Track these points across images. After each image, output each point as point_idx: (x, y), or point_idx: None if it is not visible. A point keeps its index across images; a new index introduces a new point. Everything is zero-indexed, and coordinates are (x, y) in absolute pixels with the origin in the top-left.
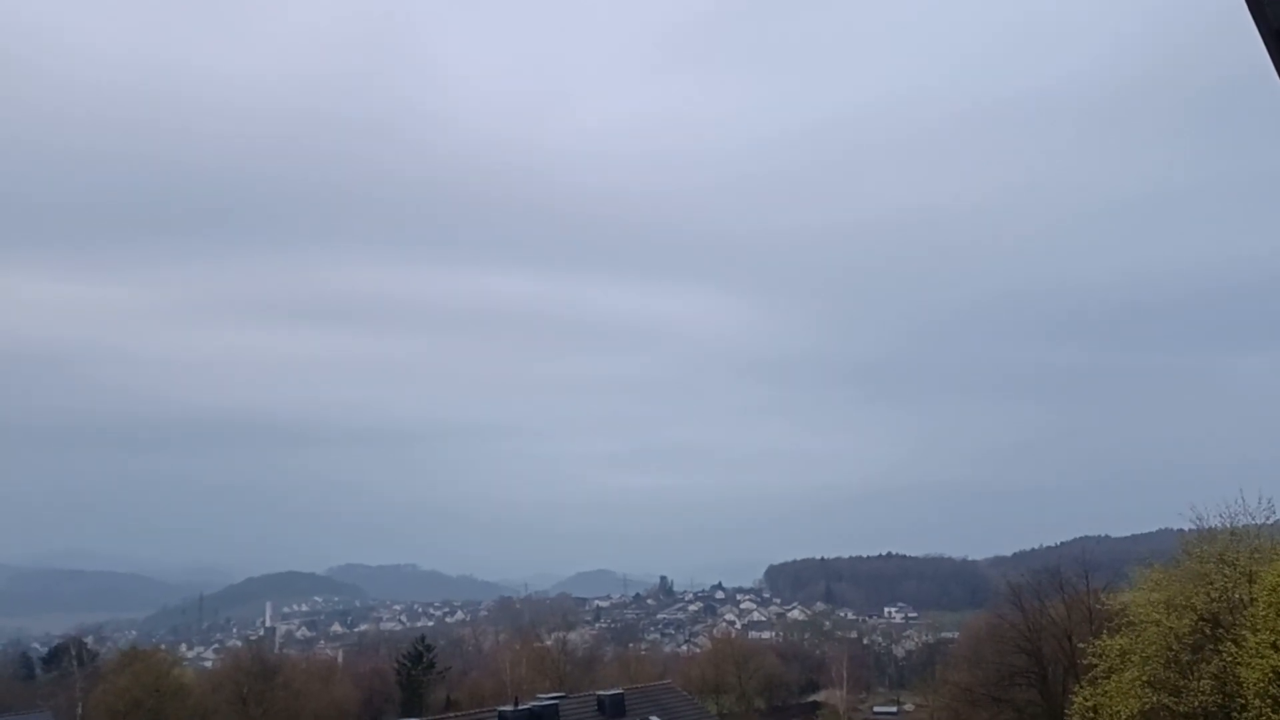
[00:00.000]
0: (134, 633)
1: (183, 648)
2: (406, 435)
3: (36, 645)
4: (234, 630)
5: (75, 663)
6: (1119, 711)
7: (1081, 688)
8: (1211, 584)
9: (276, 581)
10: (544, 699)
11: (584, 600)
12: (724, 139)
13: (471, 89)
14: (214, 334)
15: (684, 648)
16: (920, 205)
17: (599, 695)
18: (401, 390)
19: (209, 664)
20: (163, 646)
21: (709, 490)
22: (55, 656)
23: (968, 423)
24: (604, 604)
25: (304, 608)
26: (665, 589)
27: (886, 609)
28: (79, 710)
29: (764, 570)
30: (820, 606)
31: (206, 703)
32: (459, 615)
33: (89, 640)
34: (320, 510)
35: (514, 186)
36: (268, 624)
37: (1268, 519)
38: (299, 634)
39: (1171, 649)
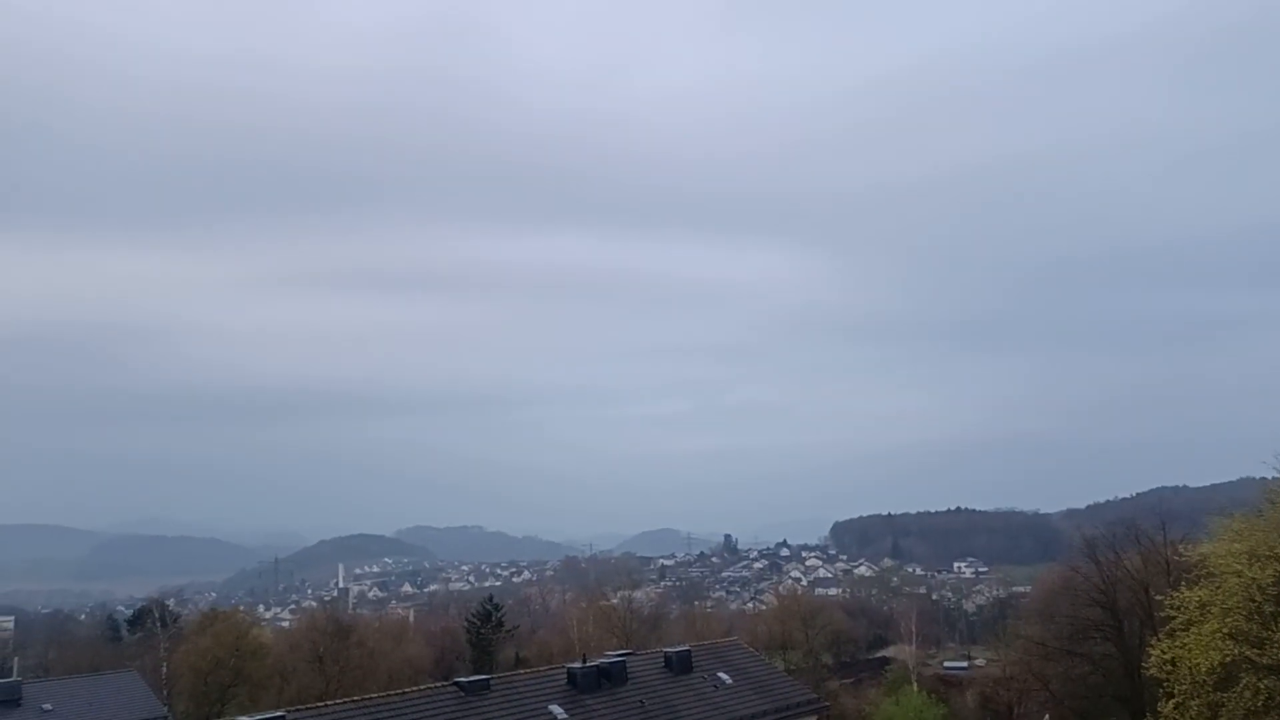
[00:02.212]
0: (213, 595)
1: (260, 609)
2: (474, 399)
3: (121, 608)
4: (308, 591)
5: (159, 624)
6: (1198, 664)
7: (1159, 640)
8: None
9: (348, 544)
10: (612, 656)
11: (649, 559)
12: (790, 98)
13: (540, 61)
14: (291, 306)
15: (749, 605)
16: (1004, 156)
17: (666, 652)
18: (470, 355)
19: (285, 624)
20: (241, 608)
21: (775, 449)
22: (139, 619)
23: (1045, 378)
24: (669, 563)
25: (374, 569)
26: (730, 547)
27: (956, 564)
28: (164, 669)
29: (829, 528)
30: (887, 563)
31: (285, 661)
32: (525, 575)
33: (171, 603)
34: (389, 474)
35: (587, 154)
36: (340, 585)
37: None
38: (370, 594)
39: (1254, 600)
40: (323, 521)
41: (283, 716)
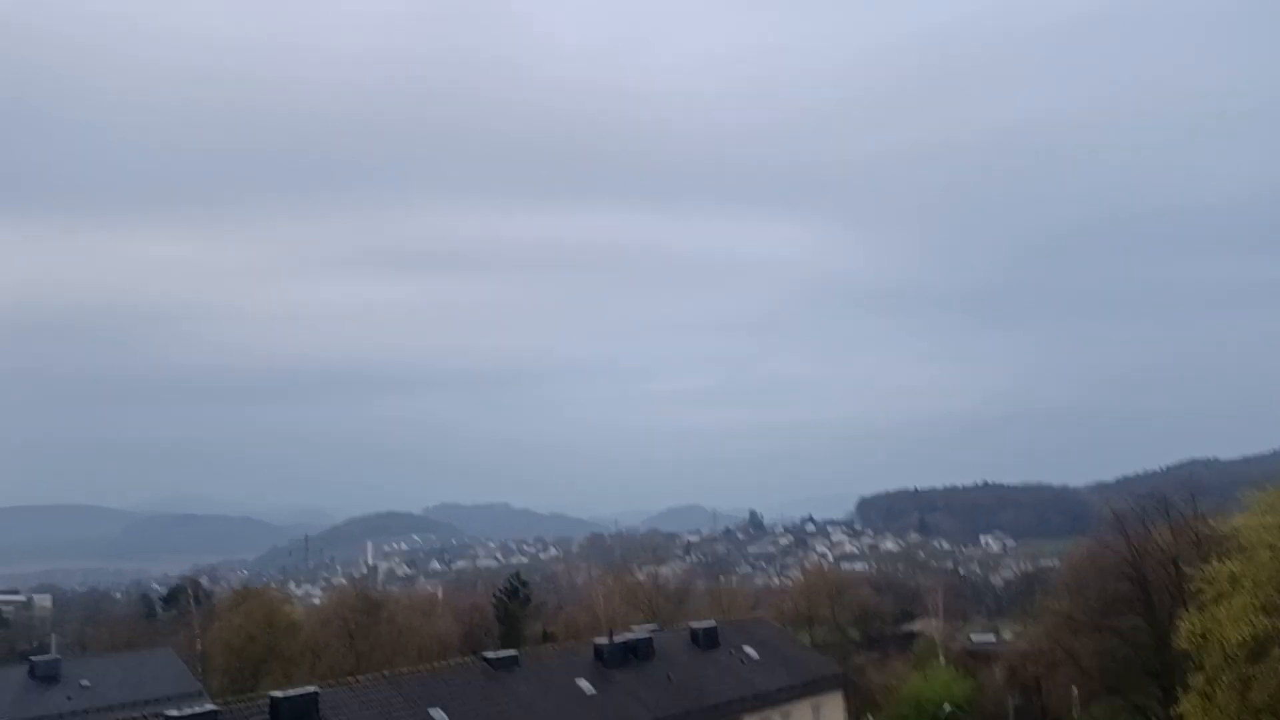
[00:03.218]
0: (245, 573)
1: (291, 586)
2: (499, 377)
3: (156, 586)
4: (338, 569)
5: (193, 602)
6: (1229, 637)
7: (1189, 614)
8: None
9: (376, 522)
10: (639, 631)
11: (674, 535)
12: (806, 65)
13: (560, 37)
14: (315, 288)
15: (775, 581)
16: (1019, 121)
17: (692, 627)
18: (495, 333)
19: (316, 601)
20: (273, 585)
21: (800, 424)
22: (173, 596)
23: (1069, 348)
24: (694, 539)
25: (403, 546)
26: (755, 523)
27: (983, 538)
28: (198, 646)
29: (855, 503)
30: (914, 538)
31: (316, 637)
32: (552, 551)
33: (204, 580)
34: (416, 453)
35: (608, 130)
36: (370, 562)
37: None
38: (399, 571)
39: None
40: (352, 500)
41: (315, 691)
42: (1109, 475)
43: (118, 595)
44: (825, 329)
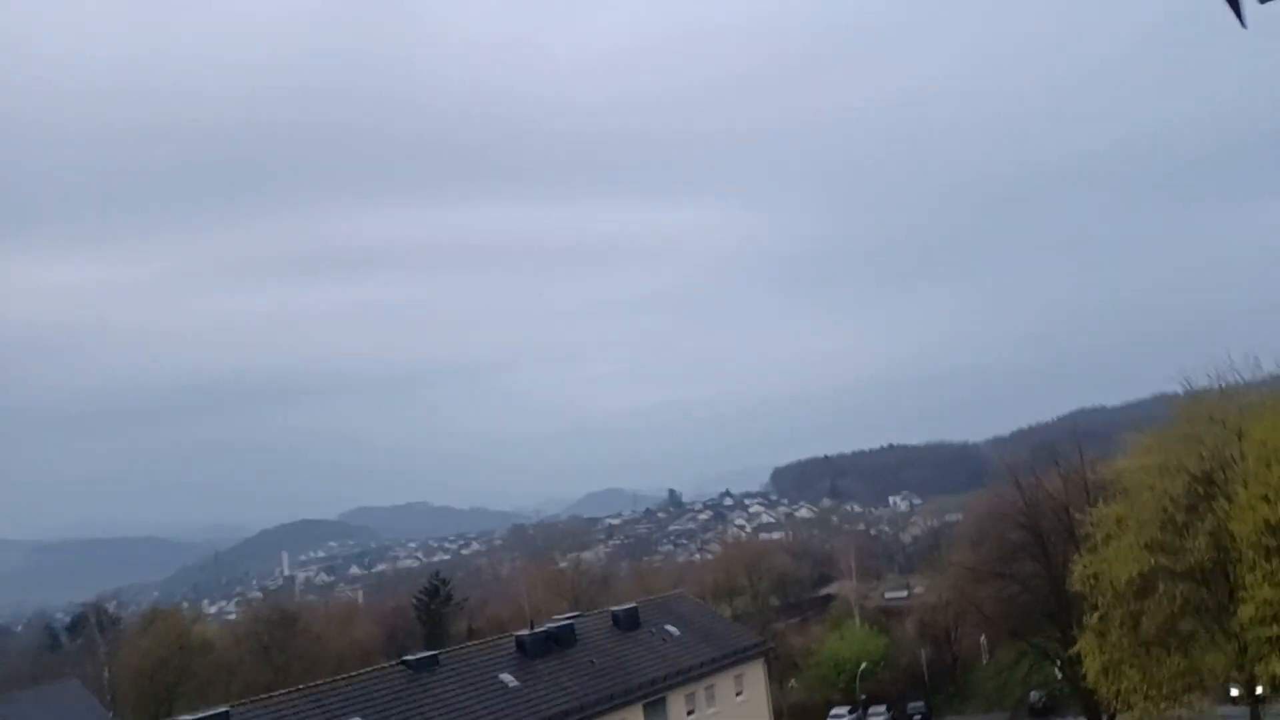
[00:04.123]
0: (156, 594)
1: (205, 604)
2: (409, 378)
3: (61, 615)
4: (254, 583)
5: (97, 629)
6: (1119, 576)
7: (1081, 557)
8: (1202, 444)
9: (291, 531)
10: (560, 620)
11: (596, 520)
12: (701, 49)
13: (454, 34)
14: (219, 299)
15: (696, 557)
16: (910, 87)
17: (613, 611)
18: (403, 334)
19: (232, 617)
20: (185, 605)
21: (715, 400)
22: (77, 625)
23: (966, 309)
24: (616, 522)
25: (320, 554)
26: (674, 501)
27: (891, 498)
28: (105, 674)
29: (770, 473)
30: (827, 503)
31: (230, 656)
32: (474, 547)
33: (112, 605)
34: (329, 459)
35: (506, 123)
36: (286, 573)
37: (1254, 375)
38: (318, 580)
39: (1166, 511)
40: (265, 511)
41: (226, 712)
42: (1005, 429)
43: (19, 629)
44: (736, 305)
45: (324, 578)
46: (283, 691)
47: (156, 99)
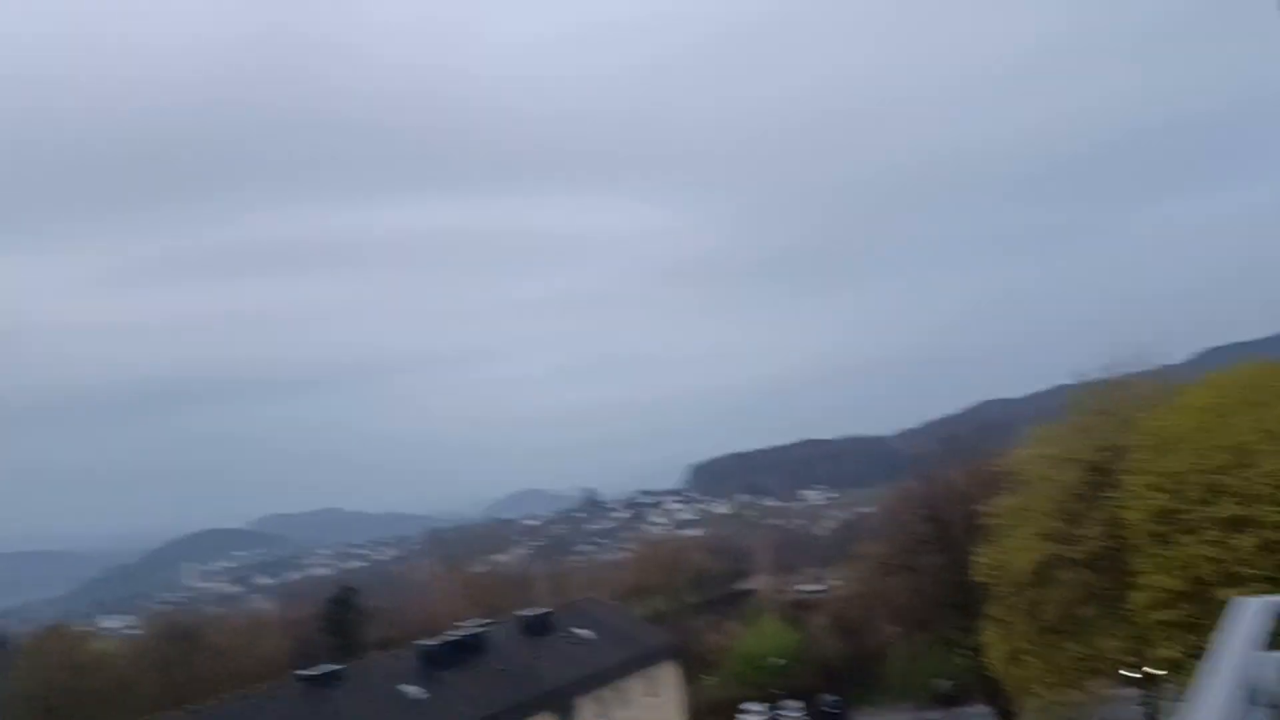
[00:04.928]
0: (54, 611)
1: (107, 620)
2: (318, 380)
3: None
4: (160, 596)
5: None
6: (1018, 566)
7: (983, 547)
8: (1095, 434)
9: (197, 541)
10: (468, 628)
11: (513, 522)
12: (639, 47)
13: (384, 20)
14: (113, 299)
15: (615, 556)
16: (819, 82)
17: (524, 617)
18: (310, 334)
19: (136, 633)
20: (87, 621)
21: (630, 401)
22: None
23: (879, 304)
24: (534, 523)
25: (229, 563)
26: (592, 501)
27: (806, 493)
28: None
29: (688, 471)
30: (743, 498)
31: (127, 674)
32: (389, 552)
33: (13, 623)
34: (235, 464)
35: (429, 114)
36: (193, 585)
37: (1144, 367)
38: (226, 591)
39: (1062, 501)
40: (170, 520)
41: None
42: (915, 421)
43: None
44: (650, 306)
45: (232, 588)
46: (168, 714)
47: (75, 85)
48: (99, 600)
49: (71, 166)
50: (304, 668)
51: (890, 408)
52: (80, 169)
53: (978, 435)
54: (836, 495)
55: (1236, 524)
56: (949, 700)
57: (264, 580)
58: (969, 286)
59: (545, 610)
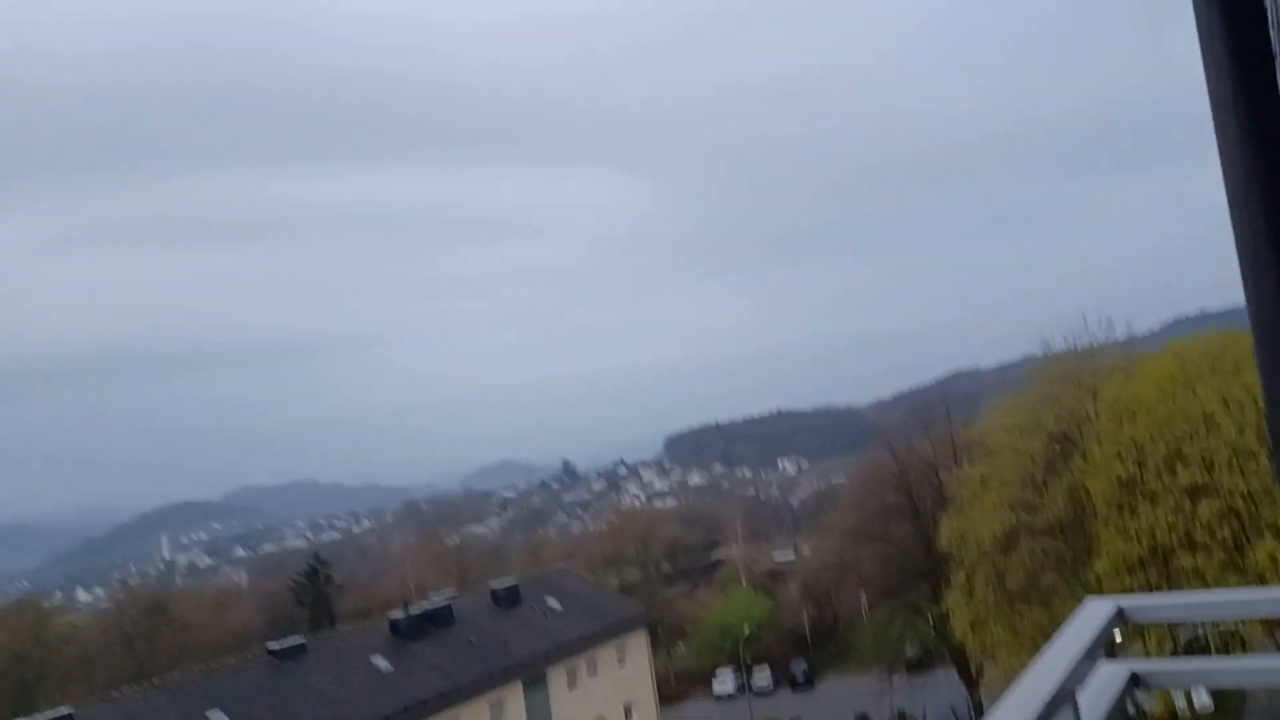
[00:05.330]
0: (25, 584)
1: (79, 593)
2: (291, 350)
3: None
4: (132, 569)
5: None
6: (983, 534)
7: (949, 516)
8: (1060, 404)
9: (170, 513)
10: (437, 600)
11: (489, 493)
12: (594, 17)
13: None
14: (76, 264)
15: (591, 527)
16: (803, 64)
17: (493, 588)
18: (284, 304)
19: (107, 605)
20: (58, 595)
21: (606, 372)
22: None
23: (850, 280)
24: (509, 494)
25: (203, 536)
26: (568, 471)
27: (780, 462)
28: None
29: (663, 442)
30: (718, 469)
31: (95, 648)
32: (365, 524)
33: None
34: (208, 436)
35: (399, 88)
36: (166, 557)
37: (1108, 337)
38: (200, 563)
39: (1027, 470)
40: (142, 493)
41: (70, 714)
42: (887, 392)
43: None
44: (627, 279)
45: (206, 560)
46: (135, 687)
47: (29, 57)
48: (70, 572)
49: (18, 130)
50: (276, 640)
51: (864, 380)
52: (29, 133)
53: (947, 406)
54: (810, 466)
55: (1198, 491)
56: (916, 666)
57: (239, 553)
58: (940, 261)
59: (514, 582)
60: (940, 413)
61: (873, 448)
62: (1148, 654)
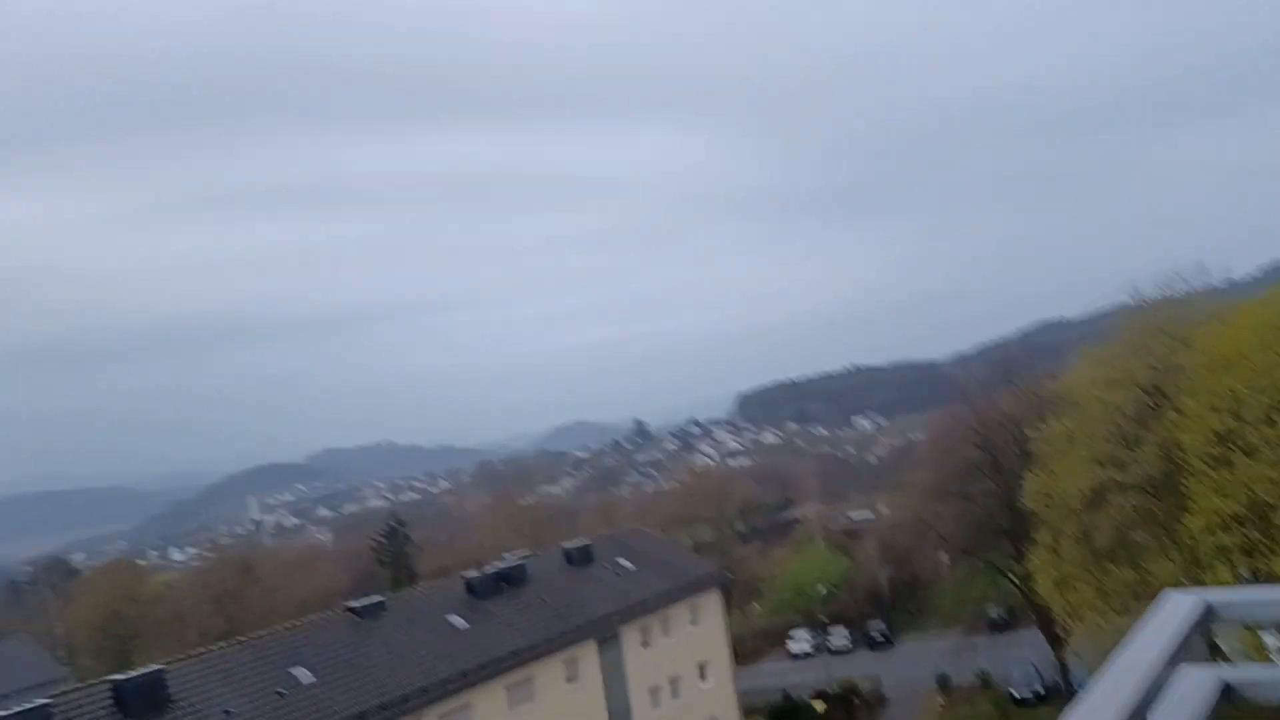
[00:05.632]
0: (123, 544)
1: (173, 552)
2: (368, 315)
3: (28, 568)
4: (222, 529)
5: (53, 583)
6: (1069, 491)
7: (1033, 473)
8: (1151, 355)
9: (257, 475)
10: (511, 560)
11: (563, 454)
12: None
13: None
14: (167, 237)
15: (664, 486)
16: (860, 19)
17: (566, 548)
18: (360, 272)
19: (198, 565)
20: (154, 554)
21: (676, 332)
22: (35, 579)
23: (924, 233)
24: (583, 454)
25: (288, 497)
26: (641, 431)
27: (856, 419)
28: (58, 630)
29: (737, 401)
30: (792, 427)
31: (184, 606)
32: (442, 484)
33: (81, 557)
34: (292, 400)
35: (464, 49)
36: (254, 518)
37: (1201, 285)
38: (287, 523)
39: (1115, 424)
40: (229, 456)
41: (161, 670)
42: (968, 345)
43: None
44: (698, 237)
45: (292, 521)
46: (222, 644)
47: (98, 24)
48: (164, 533)
49: (101, 108)
50: (357, 599)
51: (943, 333)
52: (111, 110)
53: (1032, 358)
54: (887, 423)
55: None
56: (999, 626)
57: (322, 513)
58: (1026, 213)
59: (587, 541)
60: (1024, 365)
61: (952, 403)
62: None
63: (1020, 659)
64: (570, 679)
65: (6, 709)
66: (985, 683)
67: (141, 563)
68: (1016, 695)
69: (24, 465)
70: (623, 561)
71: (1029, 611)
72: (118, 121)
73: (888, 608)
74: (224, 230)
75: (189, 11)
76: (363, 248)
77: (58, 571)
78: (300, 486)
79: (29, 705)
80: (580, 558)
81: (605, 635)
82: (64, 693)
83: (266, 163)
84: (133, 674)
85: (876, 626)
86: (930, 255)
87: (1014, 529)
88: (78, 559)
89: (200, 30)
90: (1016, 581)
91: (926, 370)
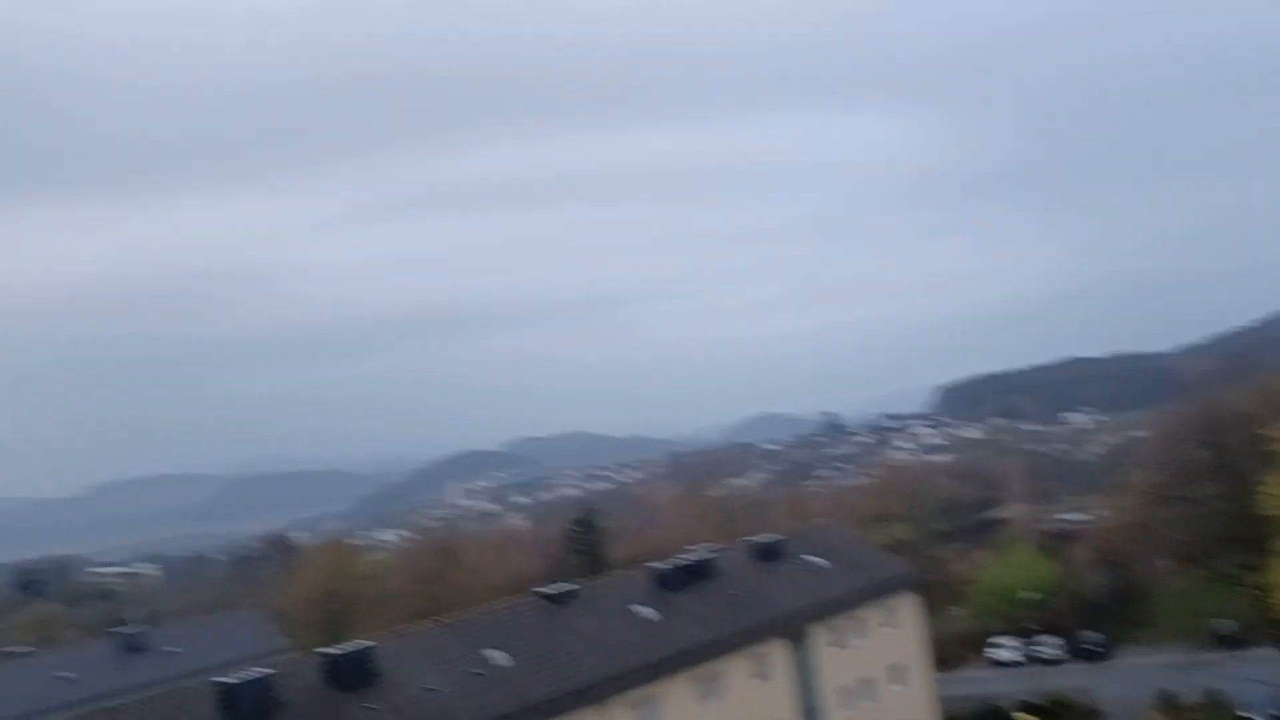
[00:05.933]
0: (339, 524)
1: (383, 533)
2: (563, 307)
3: (255, 543)
4: (427, 512)
5: (276, 559)
6: None
7: (1273, 477)
8: None
9: (459, 461)
10: (700, 552)
11: (752, 445)
12: None
13: None
14: (382, 234)
15: (858, 481)
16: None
17: (755, 542)
18: (558, 263)
19: (405, 545)
20: (365, 534)
21: (868, 323)
22: (261, 555)
23: (1147, 218)
24: (774, 447)
25: (486, 483)
26: (833, 425)
27: (1070, 415)
28: (280, 603)
29: (935, 393)
30: (998, 422)
31: (393, 586)
32: (633, 474)
33: (305, 535)
34: (491, 390)
35: (657, 48)
36: (454, 502)
37: None
38: (484, 508)
39: None
40: (435, 442)
41: (370, 646)
42: (1199, 336)
43: (223, 558)
44: (898, 225)
45: (490, 506)
46: (425, 624)
47: (326, 47)
48: (376, 514)
49: (312, 110)
50: (550, 585)
51: (1168, 323)
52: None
53: (1272, 350)
54: (1104, 418)
55: None
56: (1231, 642)
57: (519, 499)
58: (1251, 195)
59: (777, 537)
60: (1260, 358)
61: (1178, 398)
62: None
63: (1255, 679)
64: (759, 675)
65: (235, 675)
66: (1214, 703)
67: (354, 542)
68: (1250, 719)
69: (249, 450)
70: (813, 558)
71: (1265, 627)
72: (360, 135)
73: (1101, 617)
74: (433, 226)
75: (430, 44)
76: (566, 243)
77: (280, 548)
78: (498, 473)
79: (253, 673)
80: (770, 552)
81: (794, 633)
82: (283, 663)
83: (482, 162)
84: (344, 648)
85: (1090, 637)
86: (1154, 242)
87: (1248, 537)
88: (299, 537)
89: (439, 54)
90: (1252, 595)
91: (1149, 362)
